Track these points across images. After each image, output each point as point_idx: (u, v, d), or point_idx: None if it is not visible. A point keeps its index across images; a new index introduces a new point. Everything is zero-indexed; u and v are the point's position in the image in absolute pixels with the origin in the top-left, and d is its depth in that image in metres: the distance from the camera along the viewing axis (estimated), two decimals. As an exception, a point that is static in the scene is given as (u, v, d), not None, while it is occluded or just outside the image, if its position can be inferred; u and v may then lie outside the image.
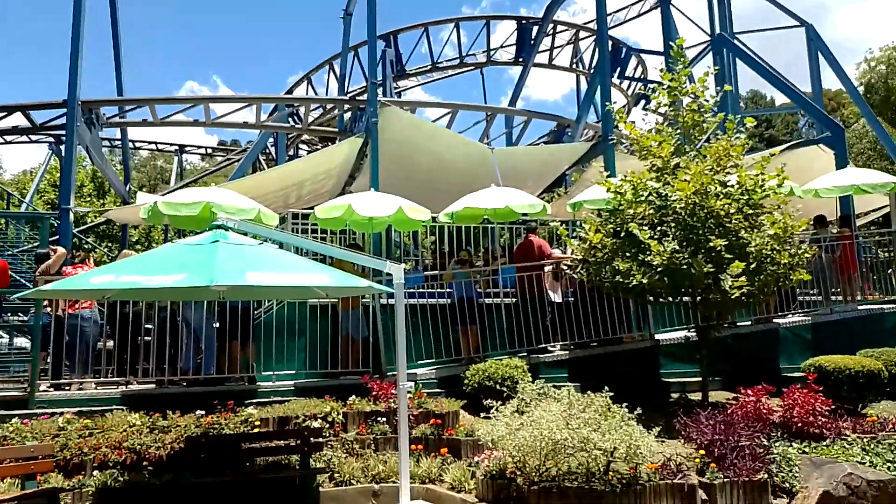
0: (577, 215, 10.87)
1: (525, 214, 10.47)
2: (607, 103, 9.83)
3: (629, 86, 20.94)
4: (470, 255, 10.86)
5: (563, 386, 9.02)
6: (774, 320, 11.10)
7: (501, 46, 21.00)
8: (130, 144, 27.63)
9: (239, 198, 8.50)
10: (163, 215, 8.13)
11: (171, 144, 26.64)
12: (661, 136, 9.03)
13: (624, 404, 6.34)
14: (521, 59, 19.64)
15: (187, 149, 27.36)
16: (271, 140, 16.96)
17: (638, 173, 9.07)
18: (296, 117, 14.74)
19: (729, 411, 7.29)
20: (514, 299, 10.19)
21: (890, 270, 12.41)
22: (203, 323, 8.50)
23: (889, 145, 18.25)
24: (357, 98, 12.74)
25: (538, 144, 18.76)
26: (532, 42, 18.86)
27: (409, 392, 5.74)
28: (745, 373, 10.23)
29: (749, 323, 11.01)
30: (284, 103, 13.98)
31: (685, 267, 7.98)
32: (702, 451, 6.59)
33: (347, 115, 15.13)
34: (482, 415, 8.28)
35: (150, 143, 26.41)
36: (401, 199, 9.06)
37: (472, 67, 22.09)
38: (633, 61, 20.07)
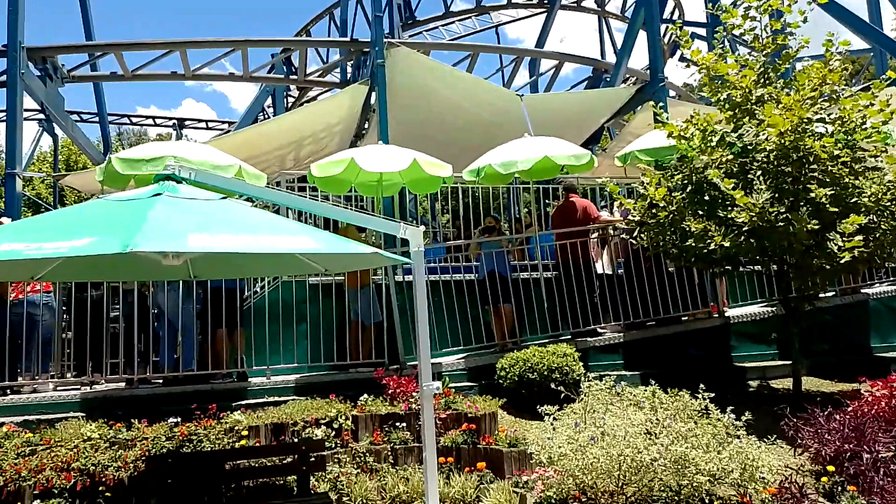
0: (627, 170, 9.10)
1: (564, 171, 8.73)
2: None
3: (664, 31, 18.76)
4: (497, 221, 9.18)
5: (617, 374, 7.53)
6: (863, 290, 9.35)
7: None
8: (126, 120, 26.28)
9: (216, 153, 6.86)
10: (122, 176, 6.52)
11: (170, 119, 25.09)
12: (737, 64, 7.26)
13: (728, 408, 4.70)
14: (545, 1, 17.59)
15: (187, 123, 25.78)
16: (269, 103, 15.29)
17: (704, 115, 7.34)
18: (291, 69, 13.01)
19: (852, 410, 5.60)
20: (553, 273, 8.54)
21: None
22: (178, 309, 6.94)
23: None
24: (361, 41, 11.00)
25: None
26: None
27: (436, 391, 4.15)
28: (832, 354, 8.61)
29: (832, 294, 9.23)
30: (278, 46, 12.19)
31: (781, 224, 6.26)
32: (830, 467, 4.93)
33: (350, 72, 13.37)
34: (526, 416, 6.70)
35: (147, 117, 24.88)
36: (415, 153, 7.37)
37: (490, 24, 20.11)
38: (669, 3, 17.94)
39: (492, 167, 8.05)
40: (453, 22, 21.78)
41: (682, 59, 17.30)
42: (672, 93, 12.24)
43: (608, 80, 12.44)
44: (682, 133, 7.34)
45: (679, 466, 4.32)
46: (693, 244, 6.82)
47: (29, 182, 31.52)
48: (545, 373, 6.59)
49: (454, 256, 8.92)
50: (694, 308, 8.55)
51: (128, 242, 2.91)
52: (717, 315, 8.65)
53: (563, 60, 13.97)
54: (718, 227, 6.63)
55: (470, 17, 22.10)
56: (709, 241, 6.63)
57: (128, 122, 26.15)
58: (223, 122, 26.68)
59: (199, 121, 26.21)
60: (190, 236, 3.21)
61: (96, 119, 20.95)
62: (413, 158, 7.16)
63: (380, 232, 8.89)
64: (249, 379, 7.21)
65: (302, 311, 7.64)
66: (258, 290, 8.02)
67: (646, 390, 4.88)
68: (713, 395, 4.94)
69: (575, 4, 17.75)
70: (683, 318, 8.62)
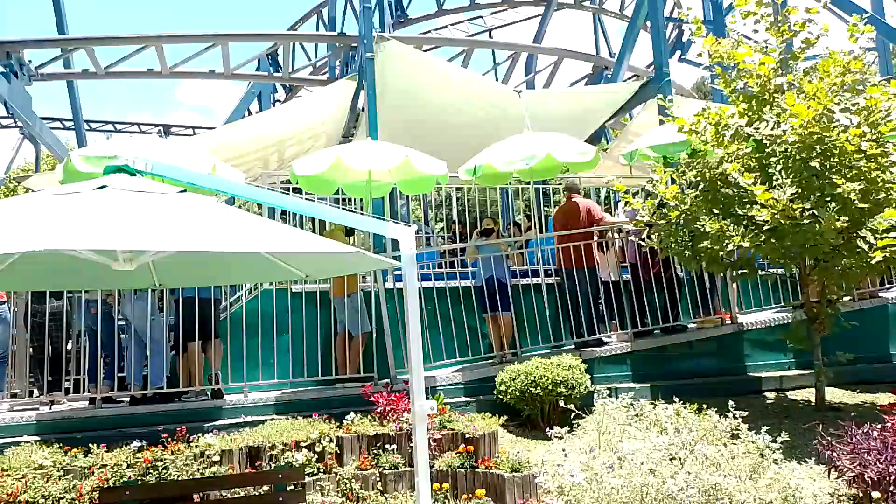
0: (633, 169, 8.56)
1: (565, 169, 8.19)
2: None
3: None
4: (496, 223, 8.62)
5: (626, 386, 6.99)
6: (881, 294, 8.83)
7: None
8: (111, 128, 25.60)
9: (189, 152, 6.29)
10: (84, 175, 5.91)
11: (156, 125, 24.36)
12: (752, 51, 6.75)
13: (764, 428, 4.14)
14: (542, -1, 17.10)
15: (174, 130, 25.08)
16: (257, 109, 14.71)
17: (716, 109, 6.84)
18: (277, 67, 12.39)
19: (893, 427, 5.04)
20: (555, 278, 7.99)
21: None
22: (147, 321, 6.33)
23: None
24: (349, 35, 10.44)
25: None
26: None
27: (430, 410, 3.57)
28: (851, 362, 8.02)
29: (849, 299, 8.68)
30: (261, 41, 11.58)
31: (807, 222, 5.73)
32: (875, 493, 4.36)
33: (338, 70, 12.81)
34: (529, 435, 6.12)
35: (132, 123, 24.20)
36: (407, 149, 6.80)
37: (483, 29, 19.58)
38: (668, 2, 17.48)
39: (490, 166, 7.49)
40: (445, 27, 21.33)
41: (681, 59, 16.85)
42: (673, 91, 11.75)
43: (609, 77, 11.93)
44: (693, 127, 6.82)
45: (710, 497, 3.74)
46: (709, 245, 6.29)
47: (13, 191, 30.85)
48: (549, 387, 6.00)
49: (449, 262, 8.34)
50: (705, 314, 8.01)
51: (50, 239, 2.34)
52: (729, 322, 8.10)
53: (561, 56, 13.42)
54: (737, 226, 6.11)
55: (463, 22, 21.66)
56: (727, 241, 6.10)
57: (112, 128, 25.44)
58: (211, 129, 26.04)
59: (186, 127, 25.45)
60: (132, 233, 2.64)
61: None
62: (405, 155, 6.60)
63: (369, 237, 8.33)
64: (225, 397, 6.59)
65: (284, 321, 7.04)
66: (235, 300, 7.42)
67: (667, 408, 4.30)
68: (738, 411, 4.42)
69: (573, 2, 17.29)
70: (694, 326, 8.09)
